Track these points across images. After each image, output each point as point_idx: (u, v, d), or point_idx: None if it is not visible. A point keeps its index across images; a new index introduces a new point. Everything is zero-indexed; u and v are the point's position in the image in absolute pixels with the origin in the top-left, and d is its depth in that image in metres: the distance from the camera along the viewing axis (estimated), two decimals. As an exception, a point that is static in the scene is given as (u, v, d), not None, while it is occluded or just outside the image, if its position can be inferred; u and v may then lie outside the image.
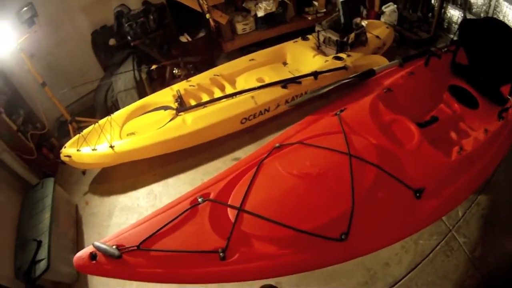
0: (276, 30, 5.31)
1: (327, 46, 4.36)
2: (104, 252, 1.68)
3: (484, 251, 2.69)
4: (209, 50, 5.41)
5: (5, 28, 3.34)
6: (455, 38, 3.10)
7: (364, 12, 5.30)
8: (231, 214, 1.84)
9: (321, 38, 4.39)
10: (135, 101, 4.12)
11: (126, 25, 4.56)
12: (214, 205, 1.92)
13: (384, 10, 4.95)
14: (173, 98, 3.89)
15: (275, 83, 3.84)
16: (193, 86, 4.08)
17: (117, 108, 4.39)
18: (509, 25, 3.04)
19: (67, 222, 3.36)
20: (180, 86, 4.07)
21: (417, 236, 2.76)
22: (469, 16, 4.43)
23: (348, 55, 4.10)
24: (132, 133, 3.68)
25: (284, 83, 3.83)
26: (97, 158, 3.54)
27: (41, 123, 4.17)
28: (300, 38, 4.66)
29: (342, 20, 4.14)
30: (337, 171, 1.98)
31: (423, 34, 4.91)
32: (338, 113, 2.47)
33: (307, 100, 3.12)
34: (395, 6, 4.92)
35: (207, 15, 4.63)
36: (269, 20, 5.23)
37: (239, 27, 5.22)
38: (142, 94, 4.53)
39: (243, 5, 5.24)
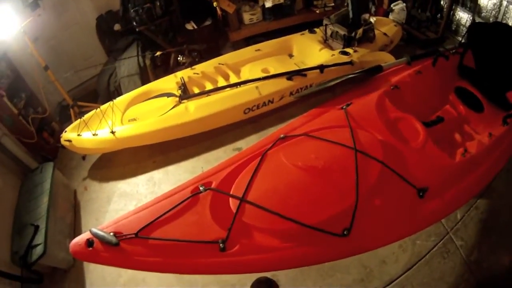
0: (283, 22, 5.27)
1: (334, 40, 4.32)
2: (102, 239, 1.65)
3: (480, 256, 2.68)
4: (215, 39, 5.36)
5: (8, 12, 3.30)
6: (463, 41, 3.07)
7: (373, 9, 5.26)
8: (233, 204, 1.82)
9: (329, 32, 4.35)
10: (138, 87, 4.10)
11: (132, 10, 4.51)
12: (215, 194, 1.89)
13: (393, 8, 4.89)
14: (176, 85, 3.88)
15: (281, 74, 3.82)
16: (197, 74, 4.05)
17: (120, 94, 4.36)
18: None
19: (65, 207, 3.35)
20: (184, 74, 4.04)
21: (415, 236, 2.75)
22: (477, 20, 4.39)
23: (355, 51, 4.06)
24: (134, 119, 3.66)
25: (289, 75, 3.80)
26: (98, 143, 3.53)
27: (43, 107, 4.15)
28: (307, 30, 4.62)
29: (351, 15, 4.10)
30: (342, 165, 1.96)
31: (431, 34, 4.86)
32: (344, 107, 2.44)
33: (313, 93, 3.09)
34: (404, 4, 4.86)
35: (214, 3, 4.60)
36: (276, 11, 5.19)
37: (246, 17, 5.17)
38: (145, 80, 4.50)
39: (251, -5, 5.18)
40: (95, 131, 3.49)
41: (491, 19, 4.21)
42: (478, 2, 4.30)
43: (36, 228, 2.78)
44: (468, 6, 4.50)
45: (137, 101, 3.89)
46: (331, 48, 4.33)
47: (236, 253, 1.67)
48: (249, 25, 5.25)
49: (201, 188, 1.91)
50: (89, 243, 1.66)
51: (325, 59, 4.00)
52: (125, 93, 4.11)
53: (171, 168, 3.74)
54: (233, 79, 3.97)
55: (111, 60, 4.88)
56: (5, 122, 3.49)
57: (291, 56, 4.48)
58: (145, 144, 3.68)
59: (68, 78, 4.41)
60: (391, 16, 4.93)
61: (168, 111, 3.63)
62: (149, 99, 3.91)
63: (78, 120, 3.63)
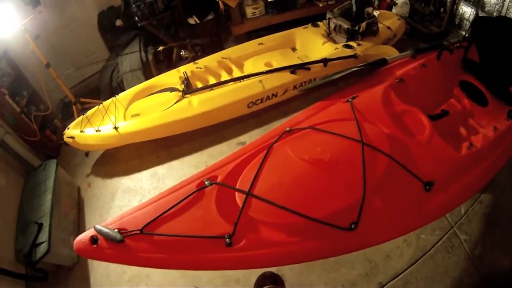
0: (286, 16, 5.24)
1: (338, 34, 4.30)
2: (106, 236, 1.63)
3: (484, 250, 2.68)
4: (217, 33, 5.34)
5: (9, 9, 3.27)
6: (467, 35, 3.05)
7: (376, 2, 5.25)
8: (239, 198, 1.80)
9: (332, 26, 4.33)
10: (141, 82, 4.08)
11: (134, 5, 4.47)
12: (221, 188, 1.87)
13: (396, 1, 4.91)
14: (179, 80, 3.87)
15: (284, 68, 3.80)
16: (200, 68, 4.04)
17: (122, 89, 4.35)
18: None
19: (69, 204, 3.34)
20: (187, 68, 4.03)
21: (420, 230, 2.76)
22: (481, 14, 4.37)
23: (359, 44, 4.05)
24: (137, 115, 3.65)
25: (293, 69, 3.79)
26: (101, 140, 3.52)
27: (45, 104, 4.13)
28: (310, 24, 4.60)
29: (354, 8, 4.08)
30: (348, 159, 1.94)
31: (434, 28, 4.84)
32: (350, 100, 2.42)
33: (316, 86, 3.08)
34: (408, -2, 4.85)
35: (217, -3, 4.56)
36: (279, 5, 5.16)
37: (249, 11, 5.14)
38: (148, 76, 4.49)
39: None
40: (98, 127, 3.48)
41: (494, 14, 4.20)
42: (481, -4, 4.27)
43: (40, 226, 2.77)
44: (472, 0, 4.48)
45: (140, 97, 3.88)
46: (335, 42, 4.31)
47: (243, 248, 1.66)
48: (251, 19, 5.21)
49: (206, 182, 1.89)
50: (94, 240, 1.65)
51: (329, 52, 3.99)
52: (128, 88, 4.09)
53: (175, 163, 3.73)
54: (236, 73, 3.97)
55: (113, 56, 4.86)
56: (7, 120, 3.48)
57: (294, 50, 4.46)
58: (148, 139, 3.66)
59: (70, 75, 4.41)
60: (394, 10, 4.93)
61: (171, 106, 3.62)
62: (152, 94, 3.90)
63: (81, 117, 3.62)
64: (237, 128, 3.93)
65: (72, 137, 3.54)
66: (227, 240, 1.66)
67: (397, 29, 4.48)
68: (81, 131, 3.52)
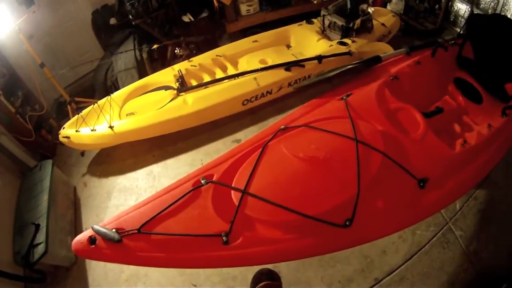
0: (281, 13, 5.23)
1: (332, 31, 4.30)
2: (104, 236, 1.63)
3: (479, 246, 2.71)
4: (212, 31, 5.32)
5: (3, 9, 3.26)
6: (462, 32, 3.06)
7: (371, -1, 5.23)
8: (235, 197, 1.81)
9: (326, 23, 4.33)
10: (135, 81, 4.07)
11: (128, 3, 4.45)
12: (217, 187, 1.88)
13: (391, -2, 4.90)
14: (174, 78, 3.85)
15: (279, 65, 3.80)
16: (195, 66, 4.03)
17: (117, 88, 4.34)
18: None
19: (65, 204, 3.34)
20: (181, 66, 4.01)
21: (415, 226, 2.78)
22: (476, 11, 4.38)
23: (353, 41, 4.05)
24: (132, 113, 3.65)
25: (287, 66, 3.79)
26: (96, 139, 3.51)
27: (40, 104, 4.10)
28: (304, 21, 4.60)
29: (349, 5, 4.09)
30: (343, 156, 1.96)
31: (429, 25, 4.84)
32: (344, 97, 2.42)
33: (311, 84, 3.08)
34: (402, -6, 4.86)
35: (211, -5, 4.55)
36: (274, 2, 5.16)
37: (243, 8, 5.12)
38: (142, 74, 4.48)
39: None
40: (93, 126, 3.47)
41: (489, 11, 4.21)
42: (477, -7, 4.29)
43: (37, 227, 2.76)
44: (467, -3, 4.48)
45: (135, 95, 3.87)
46: (329, 39, 4.31)
47: (240, 246, 1.67)
48: (246, 16, 5.20)
49: (202, 181, 1.90)
50: (92, 240, 1.65)
51: (323, 49, 3.99)
52: (123, 87, 4.08)
53: (170, 162, 3.73)
54: (231, 71, 3.96)
55: (108, 55, 4.85)
56: (2, 121, 3.46)
57: (288, 47, 4.46)
58: (143, 138, 3.66)
59: (65, 74, 4.40)
60: (389, 7, 4.94)
61: (166, 104, 3.61)
62: (147, 92, 3.88)
63: (76, 116, 3.61)
64: (232, 126, 3.93)
65: (68, 137, 3.53)
66: (224, 238, 1.66)
67: (391, 26, 4.49)
68: (76, 131, 3.51)
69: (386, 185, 1.93)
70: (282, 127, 2.21)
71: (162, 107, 3.59)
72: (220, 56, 4.14)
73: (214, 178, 1.94)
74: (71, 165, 3.98)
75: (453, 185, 2.08)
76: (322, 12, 4.32)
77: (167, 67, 4.15)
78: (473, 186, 2.75)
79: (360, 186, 1.79)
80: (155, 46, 4.48)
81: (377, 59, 2.90)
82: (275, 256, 1.74)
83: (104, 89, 4.58)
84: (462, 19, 4.64)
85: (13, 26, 3.36)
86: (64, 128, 3.60)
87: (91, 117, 3.57)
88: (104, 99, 3.74)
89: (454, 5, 4.71)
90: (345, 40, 4.09)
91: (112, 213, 3.31)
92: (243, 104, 3.77)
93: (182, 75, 3.82)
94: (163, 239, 1.68)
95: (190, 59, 4.17)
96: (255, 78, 3.72)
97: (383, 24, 4.40)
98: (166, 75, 3.96)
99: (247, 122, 3.95)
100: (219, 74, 3.97)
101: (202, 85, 3.72)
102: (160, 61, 4.98)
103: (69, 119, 3.73)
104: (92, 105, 3.69)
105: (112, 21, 4.92)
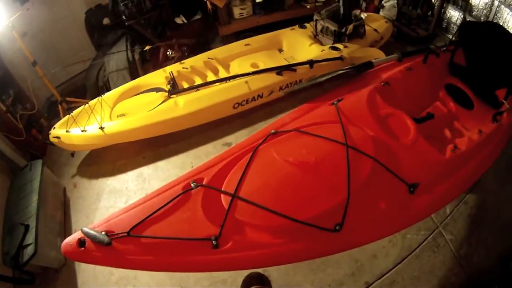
0: (274, 17, 5.26)
1: (324, 35, 4.32)
2: (93, 239, 1.62)
3: (469, 250, 2.73)
4: (205, 33, 5.32)
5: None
6: (454, 39, 3.09)
7: (364, 5, 5.27)
8: (225, 200, 1.80)
9: (319, 27, 4.35)
10: (127, 82, 4.05)
11: (122, 4, 4.41)
12: (207, 190, 1.87)
13: (384, 4, 4.94)
14: (165, 80, 3.84)
15: (270, 69, 3.80)
16: (187, 68, 4.01)
17: (108, 89, 4.31)
18: (509, 31, 3.04)
19: (55, 205, 3.29)
20: (173, 68, 4.00)
21: (405, 230, 2.79)
22: (468, 18, 4.43)
23: (345, 46, 4.07)
24: (123, 115, 3.62)
25: (279, 70, 3.79)
26: (87, 140, 3.48)
27: (31, 103, 4.06)
28: (297, 26, 4.62)
29: (342, 10, 4.11)
30: (333, 161, 1.96)
31: (421, 31, 4.89)
32: (335, 102, 2.43)
33: (302, 88, 3.08)
34: (395, 1, 4.90)
35: (204, -3, 4.54)
36: (267, 6, 5.18)
37: (236, 11, 5.12)
38: (134, 75, 4.46)
39: (242, -11, 5.14)
40: (83, 127, 3.43)
41: (482, 18, 4.25)
42: (470, 1, 4.34)
43: (27, 227, 2.72)
44: (460, 4, 4.53)
45: (126, 96, 3.85)
46: (321, 44, 4.33)
47: (229, 250, 1.66)
48: (239, 19, 5.21)
49: (192, 184, 1.89)
50: (81, 243, 1.63)
51: (315, 54, 4.01)
52: (114, 88, 4.05)
53: (160, 164, 3.71)
54: (223, 74, 3.95)
55: (100, 55, 4.82)
56: (-8, 120, 3.42)
57: (280, 51, 4.47)
58: (134, 139, 3.63)
59: (57, 73, 4.34)
60: (382, 13, 4.97)
61: (157, 106, 3.59)
62: (138, 94, 3.87)
63: (67, 116, 3.56)
64: (223, 129, 3.92)
65: (58, 137, 3.49)
66: (214, 242, 1.66)
67: (384, 32, 4.52)
68: (66, 131, 3.47)
69: (377, 190, 1.94)
70: (273, 131, 2.22)
71: (153, 109, 3.56)
72: (212, 59, 4.13)
73: (204, 182, 1.93)
74: (61, 165, 3.94)
75: (444, 190, 2.10)
76: (315, 17, 4.35)
77: (159, 68, 4.13)
78: (463, 191, 2.77)
79: (350, 191, 1.80)
80: (147, 47, 4.44)
81: (368, 65, 2.91)
82: (265, 260, 1.74)
83: (96, 90, 4.55)
84: (455, 26, 4.69)
85: (7, 23, 3.32)
86: (54, 128, 3.56)
87: (82, 118, 3.53)
88: (95, 99, 3.70)
89: (446, 12, 4.76)
90: (337, 45, 4.12)
91: (101, 214, 3.28)
92: (234, 108, 3.77)
93: (173, 77, 3.81)
94: (152, 243, 1.66)
95: (182, 61, 4.15)
96: (246, 82, 3.72)
97: (375, 30, 4.44)
98: (158, 77, 3.94)
99: (238, 126, 3.95)
100: (211, 77, 3.96)
101: (194, 87, 3.71)
102: (152, 63, 4.95)
103: (60, 118, 3.70)
104: (83, 106, 3.65)
105: (106, 21, 4.90)
